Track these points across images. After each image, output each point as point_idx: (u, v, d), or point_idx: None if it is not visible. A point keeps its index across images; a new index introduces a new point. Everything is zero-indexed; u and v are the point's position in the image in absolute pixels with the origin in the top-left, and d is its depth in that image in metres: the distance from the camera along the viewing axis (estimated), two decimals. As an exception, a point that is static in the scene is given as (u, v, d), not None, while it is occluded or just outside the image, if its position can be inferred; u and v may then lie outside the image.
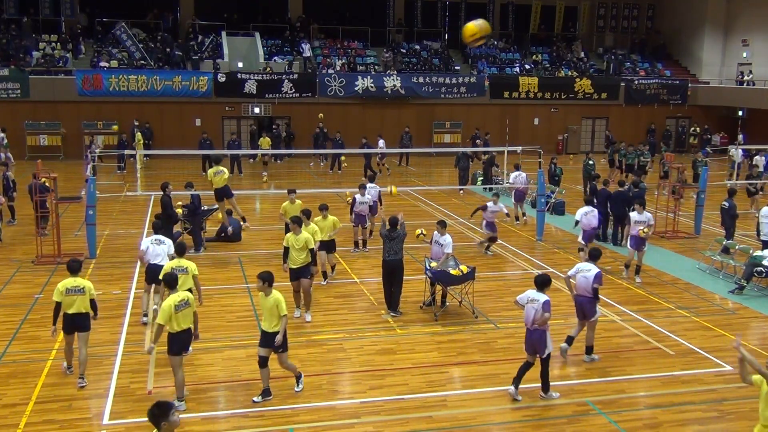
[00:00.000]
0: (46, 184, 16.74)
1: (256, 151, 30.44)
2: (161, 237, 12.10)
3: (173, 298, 8.96)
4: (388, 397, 9.61)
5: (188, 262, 10.80)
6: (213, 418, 9.01)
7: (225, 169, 17.18)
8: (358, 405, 9.41)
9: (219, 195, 16.91)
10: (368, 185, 17.53)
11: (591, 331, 10.97)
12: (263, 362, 9.34)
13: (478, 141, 30.81)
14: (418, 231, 13.77)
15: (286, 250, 12.19)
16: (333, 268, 14.80)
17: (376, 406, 9.38)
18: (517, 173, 20.80)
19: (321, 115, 32.11)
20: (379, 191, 18.02)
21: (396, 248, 12.38)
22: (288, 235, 12.32)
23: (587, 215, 15.91)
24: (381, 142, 29.74)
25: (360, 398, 9.61)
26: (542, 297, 9.53)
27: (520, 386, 9.78)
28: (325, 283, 14.30)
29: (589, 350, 11.02)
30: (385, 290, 12.78)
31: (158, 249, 11.72)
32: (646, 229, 14.70)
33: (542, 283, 9.72)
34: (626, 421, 9.09)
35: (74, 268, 9.87)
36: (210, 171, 17.12)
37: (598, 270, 10.75)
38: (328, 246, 14.27)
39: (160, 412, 5.66)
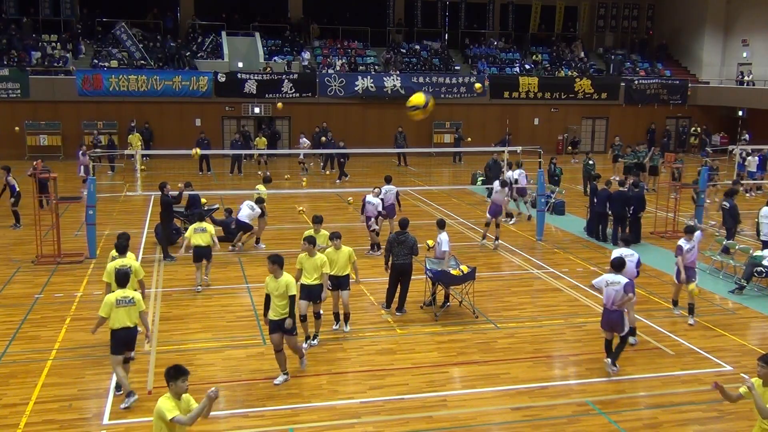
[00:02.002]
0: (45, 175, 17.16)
1: (253, 151, 30.43)
2: (251, 203, 16.67)
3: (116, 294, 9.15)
4: (388, 397, 9.61)
5: (208, 225, 14.19)
6: (213, 418, 8.99)
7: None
8: (358, 405, 9.41)
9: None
10: (385, 187, 17.50)
11: (632, 312, 11.33)
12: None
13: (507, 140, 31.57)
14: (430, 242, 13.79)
15: (268, 298, 9.75)
16: (347, 318, 11.91)
17: (376, 406, 9.38)
18: (519, 171, 21.28)
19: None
20: (397, 192, 17.96)
21: (405, 251, 12.38)
22: (268, 279, 9.81)
23: (521, 176, 19.53)
24: (303, 141, 29.69)
25: (360, 398, 9.60)
26: (623, 279, 10.19)
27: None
28: (348, 329, 11.86)
29: (633, 331, 11.40)
30: (390, 290, 12.79)
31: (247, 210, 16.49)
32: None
33: (620, 265, 10.41)
34: (626, 421, 9.09)
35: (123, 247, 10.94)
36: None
37: (638, 255, 11.94)
38: (341, 283, 11.52)
39: (174, 373, 6.51)
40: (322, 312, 11.24)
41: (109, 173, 28.31)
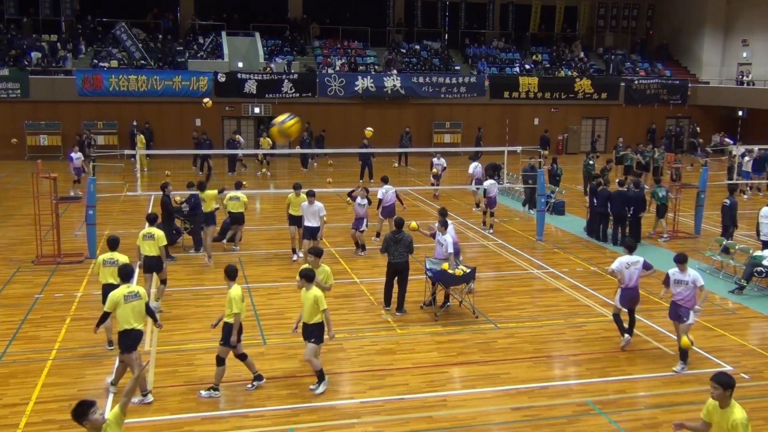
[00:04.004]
0: None
1: (256, 150, 30.45)
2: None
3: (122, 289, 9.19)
4: (388, 397, 9.60)
5: (241, 194, 15.81)
6: (213, 418, 9.01)
7: (240, 195, 16.43)
8: (358, 405, 9.41)
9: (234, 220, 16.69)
10: (384, 187, 17.59)
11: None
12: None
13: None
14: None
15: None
16: (319, 378, 9.73)
17: (376, 406, 9.37)
18: (475, 164, 22.46)
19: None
20: (395, 191, 18.02)
21: (401, 250, 12.39)
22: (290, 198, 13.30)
23: (492, 185, 19.76)
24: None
25: (360, 398, 9.60)
26: (640, 258, 11.20)
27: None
28: (319, 390, 9.68)
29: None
30: (387, 290, 12.79)
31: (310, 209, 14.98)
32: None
33: (635, 246, 11.49)
34: (626, 421, 9.09)
35: (152, 219, 13.02)
36: (224, 197, 16.44)
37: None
38: (306, 332, 9.70)
39: (80, 411, 5.79)
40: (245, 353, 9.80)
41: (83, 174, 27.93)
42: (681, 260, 10.63)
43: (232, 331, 9.31)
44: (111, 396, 9.47)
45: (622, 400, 9.77)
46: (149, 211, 12.48)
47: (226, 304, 9.32)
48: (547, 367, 10.79)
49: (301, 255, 15.76)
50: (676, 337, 10.81)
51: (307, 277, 9.51)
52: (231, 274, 9.48)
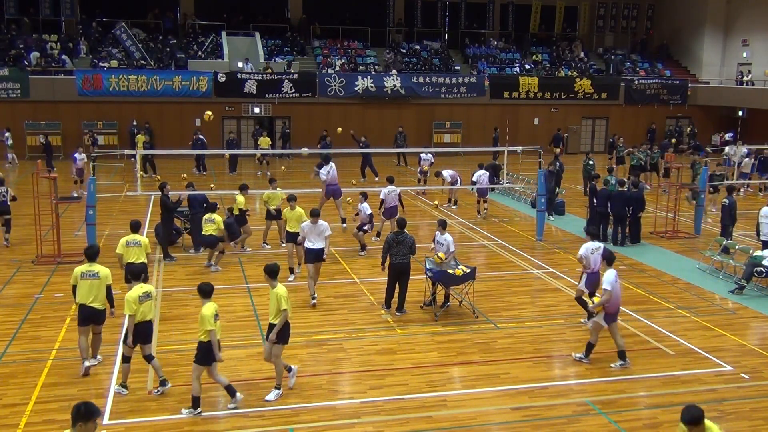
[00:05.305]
0: None
1: (255, 150, 30.43)
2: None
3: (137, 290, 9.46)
4: (388, 397, 9.60)
5: (217, 216, 15.22)
6: (213, 418, 9.01)
7: (216, 217, 15.39)
8: (358, 405, 9.41)
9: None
10: (387, 188, 17.73)
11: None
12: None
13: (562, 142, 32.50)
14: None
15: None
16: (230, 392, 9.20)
17: (376, 406, 9.37)
18: (445, 171, 23.06)
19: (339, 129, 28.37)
20: (399, 192, 18.08)
21: (404, 251, 12.39)
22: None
23: (480, 176, 20.97)
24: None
25: (360, 398, 9.60)
26: (602, 244, 12.22)
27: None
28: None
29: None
30: (389, 290, 12.78)
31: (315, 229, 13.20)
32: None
33: (597, 233, 12.78)
34: (626, 421, 9.09)
35: (213, 207, 15.47)
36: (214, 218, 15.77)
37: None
38: (283, 335, 9.44)
39: (85, 411, 5.46)
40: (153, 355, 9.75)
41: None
42: (606, 260, 11.08)
43: (128, 331, 9.37)
44: (111, 395, 9.48)
45: (622, 400, 9.77)
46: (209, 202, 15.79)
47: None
48: (547, 367, 10.79)
49: (298, 272, 14.77)
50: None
51: (202, 292, 9.01)
52: (133, 274, 9.93)
